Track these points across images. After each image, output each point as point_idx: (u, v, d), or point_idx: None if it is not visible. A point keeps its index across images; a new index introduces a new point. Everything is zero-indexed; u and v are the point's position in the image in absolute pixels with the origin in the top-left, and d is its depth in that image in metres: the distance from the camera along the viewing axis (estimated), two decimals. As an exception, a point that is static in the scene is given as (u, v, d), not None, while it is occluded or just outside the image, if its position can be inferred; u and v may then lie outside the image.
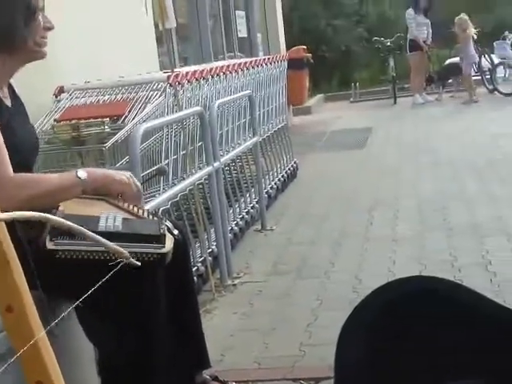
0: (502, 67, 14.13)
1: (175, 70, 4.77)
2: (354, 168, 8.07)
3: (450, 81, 14.86)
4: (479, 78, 14.14)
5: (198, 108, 4.39)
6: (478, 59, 13.94)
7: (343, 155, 9.02)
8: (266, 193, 6.28)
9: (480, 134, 9.37)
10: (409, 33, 14.24)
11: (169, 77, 4.41)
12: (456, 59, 15.13)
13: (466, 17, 13.93)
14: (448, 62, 15.49)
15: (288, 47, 12.80)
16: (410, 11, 14.22)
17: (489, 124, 10.26)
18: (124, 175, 2.41)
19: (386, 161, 8.32)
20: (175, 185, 4.10)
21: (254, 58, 7.07)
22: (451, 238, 4.91)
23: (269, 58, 7.12)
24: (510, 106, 12.29)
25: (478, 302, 2.49)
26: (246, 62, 6.29)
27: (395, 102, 14.49)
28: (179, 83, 4.50)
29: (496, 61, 14.20)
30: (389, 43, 15.28)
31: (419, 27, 14.07)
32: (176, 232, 2.41)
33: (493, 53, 14.41)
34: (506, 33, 14.46)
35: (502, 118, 10.86)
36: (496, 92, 13.69)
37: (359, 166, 8.15)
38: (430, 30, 14.32)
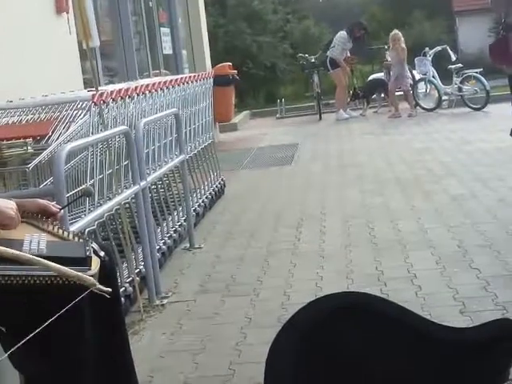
0: (423, 83, 14.45)
1: (100, 88, 4.73)
2: (281, 184, 8.14)
3: (374, 96, 15.16)
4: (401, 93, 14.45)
5: (123, 127, 4.35)
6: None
7: (270, 171, 9.08)
8: (194, 211, 6.27)
9: (404, 149, 9.56)
10: (329, 51, 14.45)
11: (93, 95, 4.37)
12: (380, 74, 15.44)
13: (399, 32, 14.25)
14: (371, 77, 15.78)
15: (214, 64, 12.84)
16: (344, 35, 14.38)
17: (412, 139, 10.48)
18: (12, 209, 2.30)
19: (313, 176, 8.41)
20: (101, 205, 4.05)
21: (179, 76, 7.05)
22: (377, 252, 4.98)
23: (194, 76, 7.13)
24: (433, 120, 12.59)
25: (404, 316, 2.53)
26: (171, 80, 6.28)
27: (320, 118, 14.68)
28: (104, 102, 4.45)
29: (417, 77, 14.52)
30: (313, 59, 15.49)
31: (344, 51, 14.40)
32: (102, 254, 2.38)
33: (414, 69, 14.73)
34: (427, 49, 14.78)
35: (424, 133, 11.11)
36: (418, 107, 13.99)
37: (286, 182, 8.22)
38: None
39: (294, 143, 11.35)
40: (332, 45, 14.54)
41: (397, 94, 14.24)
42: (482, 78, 12.97)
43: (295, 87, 26.47)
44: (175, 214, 5.81)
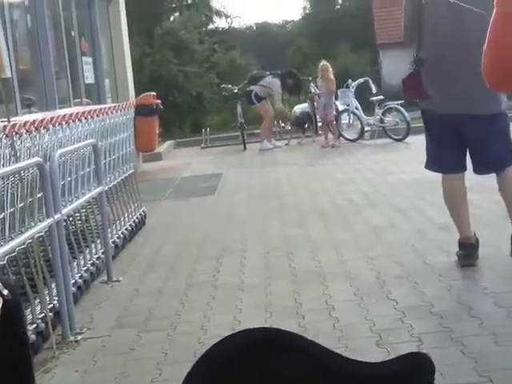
0: (346, 114, 14.68)
1: (14, 119, 4.62)
2: (203, 215, 8.09)
3: (305, 126, 15.31)
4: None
5: (36, 159, 4.25)
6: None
7: (193, 202, 9.02)
8: (113, 243, 6.16)
9: (327, 180, 9.63)
10: (257, 87, 14.47)
11: (5, 127, 4.26)
12: (304, 105, 15.62)
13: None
14: (298, 108, 15.95)
15: (139, 93, 12.77)
16: (278, 84, 14.47)
17: (335, 169, 10.59)
18: None
19: (235, 207, 8.40)
20: (12, 239, 3.93)
21: (99, 106, 6.97)
22: (296, 284, 4.97)
23: (115, 106, 7.05)
24: (355, 151, 12.76)
25: (315, 352, 2.51)
26: (90, 110, 6.19)
27: (245, 148, 14.73)
28: (16, 133, 4.35)
29: (340, 108, 14.74)
30: (236, 90, 15.54)
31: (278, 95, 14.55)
32: (6, 292, 2.29)
33: (337, 100, 14.96)
34: (350, 81, 15.04)
35: (347, 163, 11.24)
36: (342, 138, 14.17)
37: (209, 213, 8.18)
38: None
39: (217, 173, 11.34)
40: (262, 83, 14.49)
41: (320, 124, 14.44)
42: (403, 110, 13.24)
43: (221, 116, 26.59)
44: (93, 246, 5.70)
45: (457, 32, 4.53)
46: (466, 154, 4.89)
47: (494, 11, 1.70)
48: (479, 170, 4.90)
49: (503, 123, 4.78)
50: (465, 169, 4.92)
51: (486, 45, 1.73)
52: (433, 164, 5.00)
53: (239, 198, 9.01)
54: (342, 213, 7.38)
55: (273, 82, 14.45)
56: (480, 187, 6.43)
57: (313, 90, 14.84)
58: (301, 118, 15.23)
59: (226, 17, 43.36)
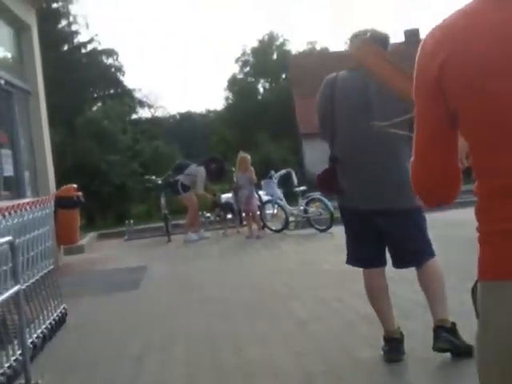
0: (270, 204, 14.77)
1: None
2: (126, 310, 7.89)
3: (229, 216, 15.32)
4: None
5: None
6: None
7: (116, 297, 8.81)
8: (32, 343, 5.91)
9: (251, 271, 9.59)
10: (182, 177, 14.46)
11: None
12: (228, 195, 15.68)
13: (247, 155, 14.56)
14: (224, 198, 15.98)
15: (61, 183, 12.61)
16: (202, 171, 14.50)
17: (260, 261, 10.56)
18: None
19: (159, 301, 8.23)
20: None
21: (17, 202, 6.80)
22: (221, 381, 4.85)
23: (33, 201, 6.90)
24: (280, 242, 12.79)
25: None
26: (8, 207, 6.03)
27: (169, 240, 14.60)
28: None
29: (264, 198, 14.83)
30: (160, 181, 15.46)
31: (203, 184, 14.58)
32: None
33: (260, 189, 15.08)
34: (273, 172, 15.21)
35: (272, 254, 11.23)
36: (266, 229, 14.22)
37: (132, 309, 7.98)
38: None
39: (141, 266, 11.16)
40: (187, 172, 14.48)
41: (244, 215, 14.48)
42: (326, 200, 13.40)
43: (146, 206, 26.49)
44: (10, 348, 5.46)
45: (366, 127, 4.58)
46: (385, 249, 4.91)
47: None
48: (398, 264, 4.94)
49: (419, 217, 4.79)
50: (384, 264, 4.93)
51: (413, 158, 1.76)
52: (353, 260, 5.02)
53: (163, 292, 8.85)
54: (266, 305, 7.31)
55: (197, 170, 14.51)
56: (401, 278, 6.46)
57: (235, 182, 14.92)
58: (225, 209, 15.26)
59: (150, 106, 43.79)
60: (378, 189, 4.70)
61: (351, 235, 4.99)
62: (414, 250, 4.77)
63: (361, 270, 5.05)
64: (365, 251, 4.89)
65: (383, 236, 4.83)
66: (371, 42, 2.99)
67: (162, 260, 11.90)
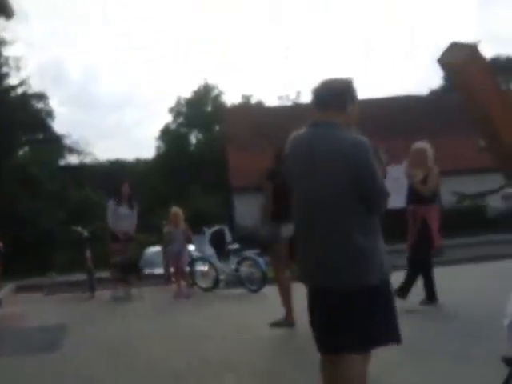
0: (200, 262, 14.30)
1: None
2: (43, 376, 7.21)
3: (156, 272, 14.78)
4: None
5: None
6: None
7: (32, 360, 8.09)
8: None
9: (179, 335, 9.03)
10: (109, 223, 13.83)
11: None
12: (157, 249, 15.14)
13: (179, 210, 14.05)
14: (151, 250, 15.45)
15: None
16: (111, 203, 13.87)
17: (188, 323, 10.00)
18: None
19: (81, 366, 7.57)
20: None
21: None
22: None
23: None
24: (210, 301, 12.27)
25: None
26: None
27: (93, 296, 13.86)
28: None
29: (195, 255, 14.36)
30: (86, 233, 14.72)
31: (120, 219, 13.70)
32: None
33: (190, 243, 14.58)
34: (205, 229, 14.79)
35: (201, 315, 10.69)
36: (196, 287, 13.72)
37: (49, 374, 7.29)
38: (135, 221, 14.03)
39: (61, 324, 10.44)
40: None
41: (172, 271, 13.96)
42: (259, 259, 12.98)
43: (70, 258, 25.63)
44: None
45: (310, 192, 4.13)
46: (338, 332, 4.14)
47: None
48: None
49: (377, 299, 4.08)
50: (340, 350, 4.14)
51: None
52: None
53: (85, 355, 8.18)
54: (197, 375, 6.76)
55: (109, 203, 13.90)
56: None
57: (165, 236, 14.36)
58: (127, 265, 13.88)
59: (79, 153, 42.99)
60: (321, 260, 4.12)
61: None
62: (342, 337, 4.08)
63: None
64: (316, 333, 4.25)
65: (329, 318, 4.15)
66: (483, 56, 2.20)
67: (84, 318, 11.21)
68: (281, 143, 5.11)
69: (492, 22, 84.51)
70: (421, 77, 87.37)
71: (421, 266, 9.41)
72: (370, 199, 4.02)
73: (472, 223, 26.25)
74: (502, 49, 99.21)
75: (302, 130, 4.23)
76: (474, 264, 14.90)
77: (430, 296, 9.43)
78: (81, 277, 15.81)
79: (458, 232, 22.20)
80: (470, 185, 29.97)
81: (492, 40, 74.28)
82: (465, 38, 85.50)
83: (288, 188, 4.34)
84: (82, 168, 39.30)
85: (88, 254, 14.20)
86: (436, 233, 9.41)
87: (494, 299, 9.07)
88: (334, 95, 4.11)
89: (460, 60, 2.06)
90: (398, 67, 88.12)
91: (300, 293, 5.04)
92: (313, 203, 4.09)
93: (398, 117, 32.13)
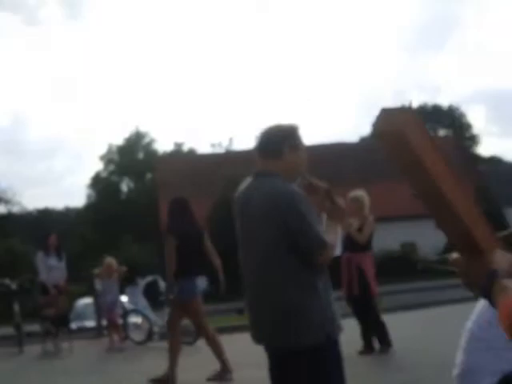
0: (133, 314, 13.95)
1: None
2: None
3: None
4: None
5: None
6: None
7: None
8: None
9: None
10: (40, 275, 13.36)
11: None
12: (89, 300, 14.73)
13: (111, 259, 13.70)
14: (81, 302, 15.03)
15: None
16: (40, 254, 13.42)
17: (121, 379, 9.66)
18: None
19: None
20: None
21: None
22: None
23: None
24: (143, 355, 11.92)
25: None
26: None
27: (22, 351, 13.32)
28: None
29: (128, 307, 14.01)
30: (14, 286, 14.21)
31: (50, 271, 13.25)
32: None
33: (123, 293, 14.23)
34: (138, 279, 14.46)
35: (134, 371, 10.33)
36: (128, 339, 13.34)
37: None
38: (65, 272, 13.58)
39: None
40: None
41: (105, 323, 13.56)
42: (194, 311, 12.70)
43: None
44: None
45: (248, 249, 3.92)
46: None
47: None
48: None
49: (314, 362, 3.72)
50: None
51: None
52: None
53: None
54: None
55: (38, 255, 13.43)
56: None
57: (97, 287, 14.01)
58: (58, 318, 13.25)
59: (6, 202, 42.00)
60: (256, 320, 3.91)
61: None
62: None
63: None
64: None
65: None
66: (420, 118, 1.87)
67: (12, 377, 10.73)
68: (178, 194, 4.94)
69: (418, 70, 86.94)
70: (351, 124, 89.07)
71: (369, 315, 9.39)
72: (304, 251, 3.73)
73: (403, 269, 26.54)
74: (428, 97, 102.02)
75: (245, 180, 4.07)
76: (408, 311, 14.94)
77: (368, 345, 9.37)
78: (8, 331, 15.21)
79: (390, 279, 22.36)
80: (403, 230, 30.35)
81: (418, 88, 76.33)
82: (392, 86, 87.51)
83: (192, 238, 4.15)
84: (8, 217, 38.44)
85: (16, 307, 13.67)
86: (373, 280, 9.40)
87: (433, 346, 9.06)
88: (271, 143, 3.94)
89: (399, 127, 1.79)
90: (327, 115, 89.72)
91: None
92: (251, 257, 3.89)
93: (330, 164, 32.44)
